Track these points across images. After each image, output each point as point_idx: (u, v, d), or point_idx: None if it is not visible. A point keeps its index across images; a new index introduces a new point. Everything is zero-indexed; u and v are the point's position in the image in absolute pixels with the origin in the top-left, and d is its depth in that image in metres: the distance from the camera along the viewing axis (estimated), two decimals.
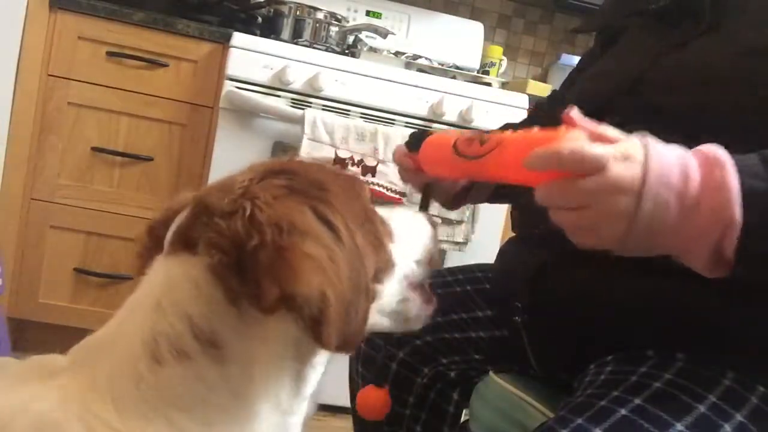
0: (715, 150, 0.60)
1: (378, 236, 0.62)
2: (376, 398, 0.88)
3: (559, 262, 0.83)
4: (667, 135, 0.79)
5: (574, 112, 0.62)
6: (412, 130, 1.96)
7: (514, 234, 0.99)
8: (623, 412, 0.67)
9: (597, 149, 0.58)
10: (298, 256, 0.47)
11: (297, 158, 0.62)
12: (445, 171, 0.84)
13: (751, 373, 0.72)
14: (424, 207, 0.93)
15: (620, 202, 0.58)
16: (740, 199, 0.58)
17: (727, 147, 0.63)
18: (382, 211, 0.66)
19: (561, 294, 0.83)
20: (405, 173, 0.94)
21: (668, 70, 0.81)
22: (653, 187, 0.58)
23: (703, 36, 0.80)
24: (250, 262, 0.48)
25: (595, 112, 0.88)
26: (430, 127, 2.01)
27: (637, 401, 0.68)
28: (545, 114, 1.11)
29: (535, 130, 0.64)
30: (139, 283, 0.56)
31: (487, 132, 0.73)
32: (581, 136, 0.60)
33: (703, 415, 0.68)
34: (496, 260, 1.01)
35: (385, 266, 0.62)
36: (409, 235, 0.68)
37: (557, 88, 1.16)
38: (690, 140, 0.78)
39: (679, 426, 0.66)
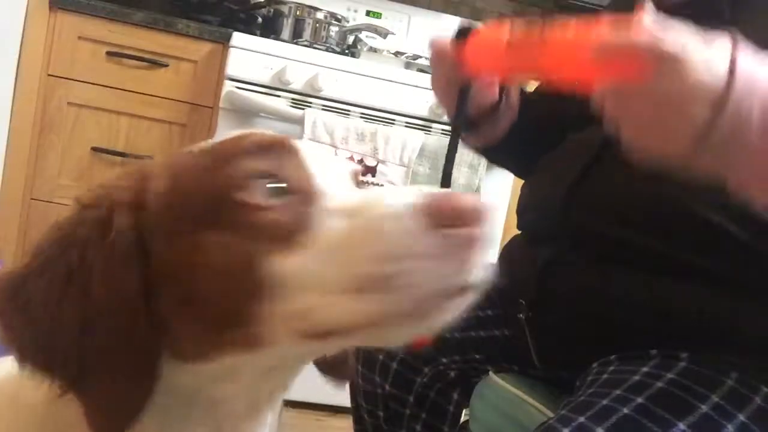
0: None
1: None
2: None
3: (565, 260, 0.83)
4: None
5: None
6: (412, 130, 1.98)
7: (516, 233, 0.99)
8: (625, 411, 0.67)
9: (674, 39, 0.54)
10: None
11: None
12: (492, 64, 0.75)
13: (754, 374, 0.72)
14: (459, 116, 0.84)
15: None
16: None
17: None
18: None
19: (566, 292, 0.83)
20: (439, 71, 0.84)
21: None
22: (739, 91, 0.54)
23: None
24: None
25: None
26: (430, 128, 2.01)
27: (640, 400, 0.68)
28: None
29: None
30: None
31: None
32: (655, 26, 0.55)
33: (706, 415, 0.67)
34: (499, 258, 1.00)
35: None
36: None
37: None
38: None
39: (681, 425, 0.66)
